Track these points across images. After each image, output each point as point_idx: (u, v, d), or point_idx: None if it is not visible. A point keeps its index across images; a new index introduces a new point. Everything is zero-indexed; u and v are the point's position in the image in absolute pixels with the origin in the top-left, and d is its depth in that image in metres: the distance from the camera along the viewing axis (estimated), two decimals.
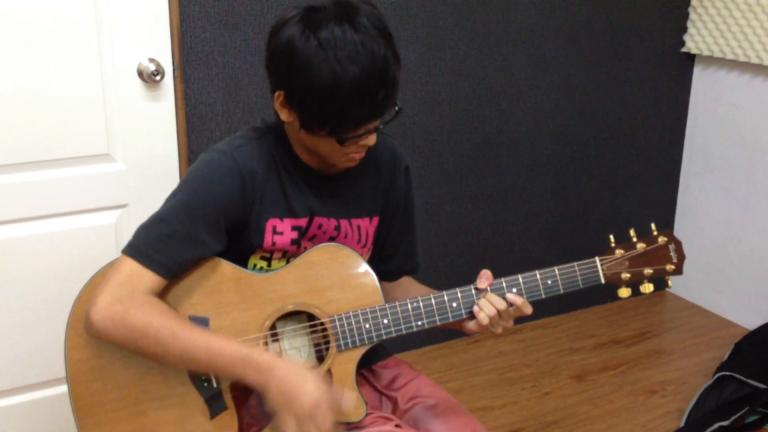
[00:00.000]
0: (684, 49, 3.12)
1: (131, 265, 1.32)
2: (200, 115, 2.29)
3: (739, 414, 2.38)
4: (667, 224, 3.35)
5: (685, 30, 3.10)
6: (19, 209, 2.09)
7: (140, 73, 2.14)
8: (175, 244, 1.33)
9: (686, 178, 3.30)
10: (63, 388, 2.25)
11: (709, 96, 3.14)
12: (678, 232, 3.34)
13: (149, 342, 1.30)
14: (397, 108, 1.37)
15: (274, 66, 1.33)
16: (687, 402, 2.55)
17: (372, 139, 1.38)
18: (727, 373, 2.55)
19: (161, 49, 2.16)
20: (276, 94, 1.35)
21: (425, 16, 2.57)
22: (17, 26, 1.97)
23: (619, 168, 3.16)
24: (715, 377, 2.58)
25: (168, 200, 1.39)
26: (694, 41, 3.08)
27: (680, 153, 3.29)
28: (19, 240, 2.11)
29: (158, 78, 2.14)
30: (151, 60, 2.13)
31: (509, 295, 1.42)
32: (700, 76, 3.17)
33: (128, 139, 2.18)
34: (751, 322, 3.00)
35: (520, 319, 1.47)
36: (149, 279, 1.32)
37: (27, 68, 2.01)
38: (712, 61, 3.10)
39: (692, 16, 3.06)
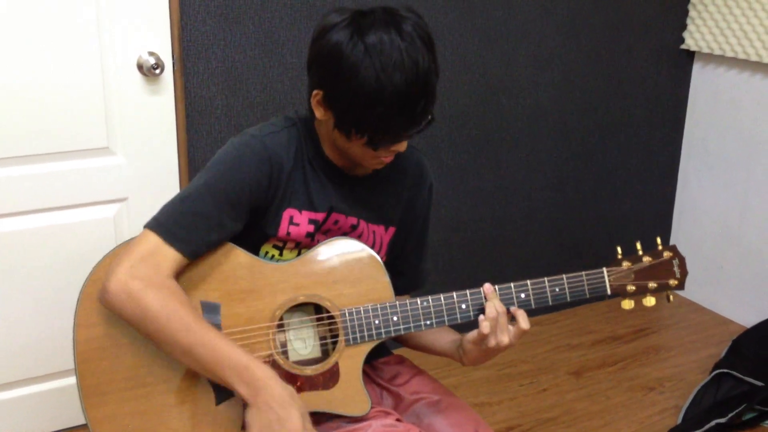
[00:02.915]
0: (683, 46, 3.12)
1: (154, 240, 1.31)
2: (200, 110, 2.28)
3: (736, 411, 2.38)
4: (665, 221, 3.36)
5: (684, 27, 3.10)
6: (19, 202, 2.09)
7: (140, 67, 2.13)
8: (199, 224, 1.34)
9: (685, 175, 3.30)
10: (65, 381, 2.27)
11: (708, 93, 3.15)
12: (676, 229, 3.35)
13: (157, 326, 1.29)
14: (430, 117, 1.37)
15: (318, 67, 1.34)
16: (684, 399, 2.56)
17: (403, 146, 1.39)
18: (725, 371, 2.56)
19: (161, 43, 2.15)
20: (314, 92, 1.35)
21: (425, 12, 2.56)
22: (18, 19, 1.97)
23: (618, 165, 3.17)
24: (712, 374, 2.59)
25: (196, 179, 1.39)
26: (693, 38, 3.08)
27: (679, 150, 3.29)
28: (18, 233, 2.11)
29: (158, 71, 2.13)
30: (151, 53, 2.12)
31: (512, 308, 1.43)
32: (699, 73, 3.17)
33: (128, 133, 2.17)
34: (749, 320, 3.01)
35: None
36: (172, 257, 1.31)
37: (27, 61, 2.00)
38: (711, 58, 3.10)
39: (692, 13, 3.06)
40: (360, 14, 1.31)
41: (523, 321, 1.41)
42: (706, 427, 2.36)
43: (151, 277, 1.29)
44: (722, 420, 2.36)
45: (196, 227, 1.33)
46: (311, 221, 1.44)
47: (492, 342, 1.39)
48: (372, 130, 1.32)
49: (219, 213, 1.34)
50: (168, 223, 1.33)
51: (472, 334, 1.42)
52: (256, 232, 1.43)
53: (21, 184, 2.08)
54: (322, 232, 1.46)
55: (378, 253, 1.49)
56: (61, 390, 2.27)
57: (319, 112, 1.37)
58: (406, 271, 1.60)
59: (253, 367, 1.28)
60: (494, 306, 1.40)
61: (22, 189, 2.08)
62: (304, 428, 1.26)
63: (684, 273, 1.53)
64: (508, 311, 1.42)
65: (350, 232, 1.49)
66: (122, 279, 1.28)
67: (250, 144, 1.39)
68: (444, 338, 1.54)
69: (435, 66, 1.33)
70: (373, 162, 1.42)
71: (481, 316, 1.40)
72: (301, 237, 1.44)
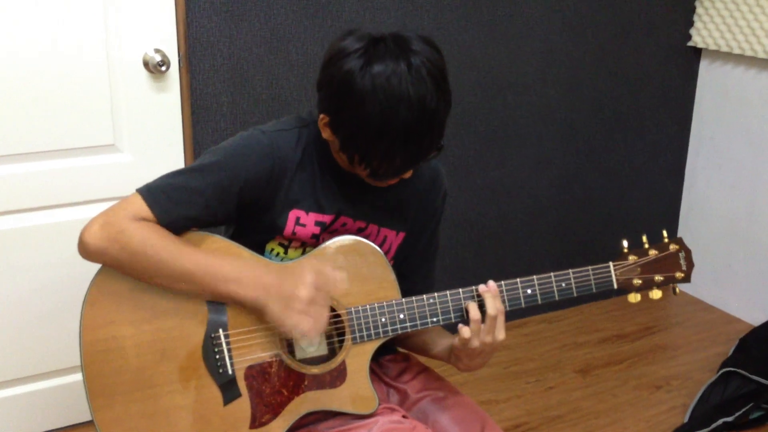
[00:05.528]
0: (690, 44, 3.11)
1: (138, 201, 1.33)
2: (205, 107, 2.28)
3: (744, 410, 2.37)
4: (672, 219, 3.35)
5: (691, 24, 3.09)
6: (25, 199, 2.09)
7: (146, 64, 2.13)
8: (184, 198, 1.34)
9: (692, 173, 3.29)
10: (71, 378, 2.27)
11: (715, 91, 3.13)
12: (683, 227, 3.34)
13: (146, 263, 1.30)
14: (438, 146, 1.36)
15: (327, 93, 1.34)
16: (691, 397, 2.55)
17: (408, 173, 1.40)
18: (732, 369, 2.55)
19: (167, 40, 2.15)
20: (321, 116, 1.35)
21: (431, 8, 2.56)
22: (23, 16, 1.97)
23: (624, 163, 3.16)
24: (719, 373, 2.57)
25: (197, 160, 1.40)
26: (700, 35, 3.06)
27: (686, 147, 3.28)
28: (24, 230, 2.11)
29: (164, 69, 2.13)
30: (157, 50, 2.13)
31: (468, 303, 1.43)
32: (706, 70, 3.16)
33: (134, 130, 2.17)
34: (757, 318, 3.00)
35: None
36: (148, 217, 1.33)
37: (33, 58, 2.00)
38: (718, 55, 3.09)
39: (699, 10, 3.05)
40: (372, 44, 1.29)
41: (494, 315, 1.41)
42: (713, 425, 2.35)
43: (128, 220, 1.31)
44: (729, 419, 2.36)
45: (181, 200, 1.34)
46: (317, 223, 1.44)
47: (475, 343, 1.40)
48: (375, 163, 1.33)
49: (207, 191, 1.35)
50: (156, 191, 1.34)
51: (455, 340, 1.42)
52: (262, 229, 1.43)
53: (27, 181, 2.08)
54: (327, 233, 1.46)
55: (386, 256, 1.49)
56: (66, 387, 2.28)
57: (325, 133, 1.37)
58: (412, 276, 1.59)
59: (247, 271, 1.33)
60: (494, 305, 1.40)
61: (28, 186, 2.09)
62: (314, 292, 1.31)
63: (690, 265, 1.52)
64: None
65: (357, 234, 1.48)
66: (97, 228, 1.31)
67: (257, 138, 1.39)
68: (440, 343, 1.54)
69: (444, 102, 1.32)
70: (378, 183, 1.41)
71: (460, 325, 1.40)
72: (306, 238, 1.44)
